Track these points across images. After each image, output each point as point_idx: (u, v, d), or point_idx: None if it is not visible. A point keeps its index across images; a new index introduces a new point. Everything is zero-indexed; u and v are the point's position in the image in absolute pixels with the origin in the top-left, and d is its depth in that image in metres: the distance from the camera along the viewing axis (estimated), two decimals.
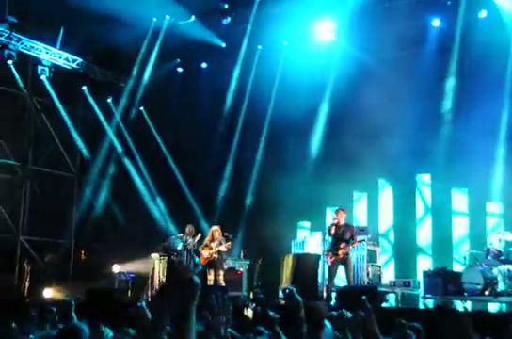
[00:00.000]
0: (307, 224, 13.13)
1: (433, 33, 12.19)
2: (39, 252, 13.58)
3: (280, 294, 8.33)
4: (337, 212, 9.86)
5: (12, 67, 13.29)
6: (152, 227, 13.88)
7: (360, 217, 12.54)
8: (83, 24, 13.04)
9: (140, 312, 3.83)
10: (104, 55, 14.26)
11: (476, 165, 10.49)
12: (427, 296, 9.50)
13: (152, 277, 10.79)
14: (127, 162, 14.81)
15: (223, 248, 10.34)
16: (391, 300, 9.81)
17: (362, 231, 10.69)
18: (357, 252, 10.33)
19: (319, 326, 3.57)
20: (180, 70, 14.94)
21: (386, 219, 12.49)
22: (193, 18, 13.61)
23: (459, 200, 11.77)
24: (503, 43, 11.04)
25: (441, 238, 11.68)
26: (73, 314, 4.80)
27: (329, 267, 9.56)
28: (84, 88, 14.67)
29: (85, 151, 14.70)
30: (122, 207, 14.46)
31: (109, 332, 4.18)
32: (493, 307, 9.38)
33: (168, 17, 13.80)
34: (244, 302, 8.12)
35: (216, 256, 10.31)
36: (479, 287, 8.91)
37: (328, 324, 4.81)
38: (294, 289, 5.13)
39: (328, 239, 9.93)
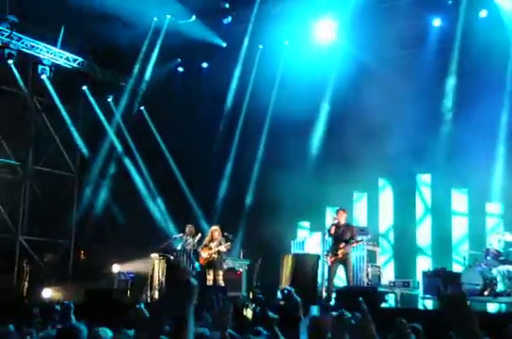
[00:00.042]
0: (307, 224, 13.13)
1: (434, 33, 12.19)
2: (38, 252, 13.58)
3: (279, 294, 8.32)
4: (337, 212, 9.85)
5: (13, 66, 13.29)
6: (152, 227, 13.88)
7: (360, 217, 12.53)
8: (83, 24, 13.04)
9: (139, 313, 3.84)
10: (104, 54, 14.26)
11: (476, 165, 10.49)
12: (426, 296, 9.50)
13: (152, 277, 10.79)
14: (127, 162, 14.81)
15: (223, 248, 10.34)
16: (390, 301, 9.80)
17: (362, 231, 10.67)
18: (356, 253, 10.33)
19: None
20: (180, 69, 14.94)
21: (386, 219, 12.48)
22: (194, 17, 13.61)
23: (459, 200, 11.76)
24: (503, 43, 11.03)
25: (441, 239, 11.68)
26: (72, 315, 4.80)
27: (329, 268, 9.55)
28: (84, 87, 14.66)
29: (85, 150, 14.70)
30: (122, 207, 14.46)
31: (108, 333, 4.17)
32: (492, 307, 9.37)
33: (168, 16, 13.80)
34: (243, 303, 8.11)
35: (215, 256, 10.31)
36: (478, 288, 8.91)
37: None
38: (292, 290, 5.14)
39: (329, 239, 9.93)
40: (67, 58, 13.94)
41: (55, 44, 13.60)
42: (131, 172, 14.75)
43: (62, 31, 13.46)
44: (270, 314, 3.82)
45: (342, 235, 9.60)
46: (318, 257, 10.07)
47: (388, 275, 11.30)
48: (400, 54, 12.11)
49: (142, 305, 3.86)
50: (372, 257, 10.74)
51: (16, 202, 13.78)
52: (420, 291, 9.86)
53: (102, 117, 14.79)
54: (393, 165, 11.56)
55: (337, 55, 12.66)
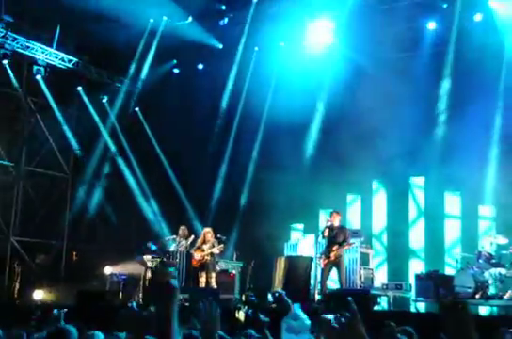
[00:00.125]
0: (300, 226, 13.13)
1: (428, 36, 12.25)
2: (30, 253, 13.50)
3: (270, 297, 8.31)
4: (331, 214, 9.87)
5: (7, 66, 13.25)
6: (145, 228, 13.86)
7: (353, 219, 12.55)
8: (79, 24, 13.01)
9: (131, 312, 3.83)
10: (100, 55, 14.23)
11: (469, 168, 10.52)
12: (419, 299, 9.52)
13: (144, 278, 10.76)
14: (121, 163, 14.78)
15: (216, 250, 10.32)
16: (382, 303, 9.82)
17: (356, 233, 10.70)
18: (349, 255, 10.34)
19: None
20: (176, 70, 14.93)
21: (379, 222, 12.51)
22: (190, 19, 13.61)
23: (452, 203, 11.80)
24: (497, 46, 11.09)
25: (434, 241, 11.71)
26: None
27: (322, 270, 9.56)
28: (79, 88, 14.63)
29: (79, 151, 14.65)
30: (115, 208, 14.42)
31: (100, 336, 4.16)
32: (484, 310, 9.40)
33: (165, 18, 13.80)
34: (236, 305, 8.10)
35: (208, 258, 10.29)
36: (470, 290, 8.93)
37: (303, 314, 4.81)
38: (283, 292, 5.14)
39: (322, 241, 9.94)
40: (62, 59, 13.90)
41: (50, 45, 13.55)
42: (125, 173, 14.72)
43: (58, 31, 13.43)
44: (261, 317, 3.82)
45: (335, 238, 9.61)
46: (311, 259, 10.07)
47: (381, 277, 11.31)
48: (395, 56, 12.16)
49: (134, 304, 3.86)
50: (365, 260, 10.75)
51: (8, 203, 13.70)
52: (412, 294, 9.87)
53: (96, 117, 14.75)
54: (387, 167, 11.59)
55: (332, 56, 12.69)
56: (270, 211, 12.15)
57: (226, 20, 13.68)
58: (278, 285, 9.88)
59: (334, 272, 9.63)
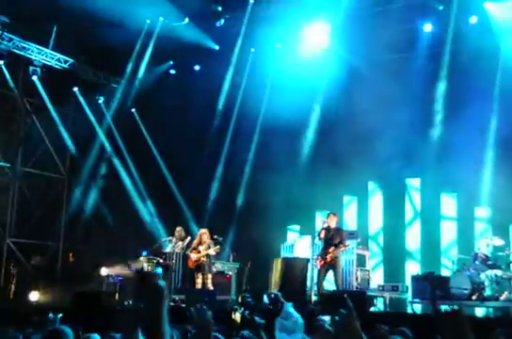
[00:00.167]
0: (297, 227, 13.14)
1: (424, 38, 12.27)
2: (25, 255, 13.45)
3: (265, 299, 8.31)
4: (328, 216, 9.88)
5: (3, 67, 13.22)
6: (142, 229, 13.83)
7: (349, 220, 12.56)
8: (75, 25, 12.98)
9: (125, 311, 3.82)
10: (96, 55, 14.19)
11: (465, 169, 10.55)
12: (415, 300, 9.53)
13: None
14: (117, 164, 14.75)
15: (212, 251, 10.31)
16: (379, 305, 9.83)
17: (352, 235, 10.71)
18: (346, 256, 10.34)
19: None
20: (173, 72, 14.92)
21: (375, 223, 12.52)
22: (186, 20, 13.60)
23: (448, 204, 11.82)
24: (492, 48, 11.13)
25: (430, 243, 11.73)
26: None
27: (319, 271, 9.56)
28: (75, 88, 14.60)
29: (75, 152, 14.62)
30: (112, 209, 14.39)
31: (96, 337, 4.15)
32: (480, 312, 9.42)
33: (161, 19, 13.79)
34: (232, 306, 8.09)
35: (204, 259, 10.27)
36: (466, 292, 8.95)
37: (296, 313, 4.82)
38: (279, 294, 5.15)
39: (318, 243, 9.94)
40: (58, 59, 13.87)
41: (46, 45, 13.53)
42: (121, 174, 14.70)
43: (54, 32, 13.40)
44: (257, 318, 3.83)
45: (331, 239, 9.62)
46: (308, 261, 10.08)
47: (377, 279, 11.32)
48: (391, 58, 12.18)
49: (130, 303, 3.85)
50: (361, 261, 10.76)
51: (4, 204, 13.66)
52: (408, 295, 9.88)
53: (92, 118, 14.72)
54: (383, 169, 11.61)
55: (328, 58, 12.70)
56: (266, 212, 12.15)
57: (222, 21, 13.68)
58: (274, 287, 9.88)
59: (331, 274, 9.63)
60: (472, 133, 10.59)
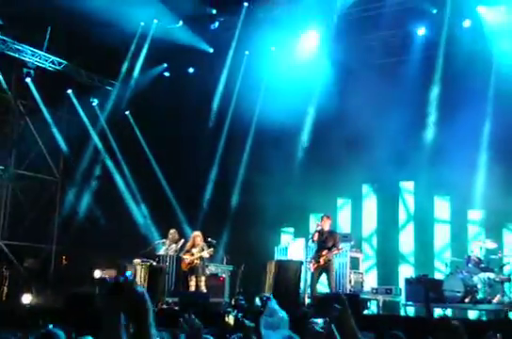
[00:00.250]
0: (290, 230, 13.14)
1: (418, 41, 12.32)
2: (18, 257, 13.39)
3: (257, 301, 8.30)
4: (322, 218, 9.87)
5: None
6: (135, 232, 13.79)
7: (343, 223, 12.58)
8: (69, 27, 12.97)
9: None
10: (90, 58, 14.18)
11: (459, 172, 10.58)
12: (409, 303, 9.54)
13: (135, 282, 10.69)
14: (111, 166, 14.72)
15: (205, 254, 10.29)
16: (372, 307, 9.83)
17: (346, 238, 10.72)
18: (339, 259, 10.34)
19: None
20: (167, 74, 14.91)
21: (369, 226, 12.54)
22: (181, 23, 13.62)
23: (442, 207, 11.86)
24: (486, 52, 11.18)
25: (423, 245, 11.76)
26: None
27: (312, 274, 9.55)
28: (69, 91, 14.57)
29: (68, 154, 14.57)
30: (105, 212, 14.35)
31: None
32: (473, 314, 9.44)
33: (155, 21, 13.79)
34: (225, 309, 8.08)
35: (197, 262, 10.25)
36: (459, 295, 8.97)
37: (281, 311, 4.81)
38: (271, 296, 5.14)
39: (312, 245, 9.93)
40: (52, 61, 13.84)
41: (40, 47, 13.50)
42: (114, 176, 14.66)
43: (48, 34, 13.38)
44: (247, 322, 3.82)
45: (325, 242, 9.61)
46: (301, 263, 10.07)
47: (370, 282, 11.33)
48: (384, 62, 12.25)
49: None
50: (355, 264, 10.76)
51: None
52: (402, 298, 9.89)
53: (86, 120, 14.69)
54: (377, 172, 11.63)
55: (322, 61, 12.74)
56: (260, 215, 12.15)
57: (217, 24, 13.71)
58: (268, 289, 9.86)
59: (324, 276, 9.62)
60: (465, 136, 10.64)
